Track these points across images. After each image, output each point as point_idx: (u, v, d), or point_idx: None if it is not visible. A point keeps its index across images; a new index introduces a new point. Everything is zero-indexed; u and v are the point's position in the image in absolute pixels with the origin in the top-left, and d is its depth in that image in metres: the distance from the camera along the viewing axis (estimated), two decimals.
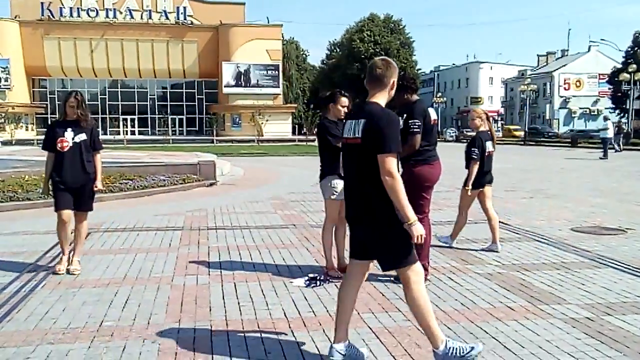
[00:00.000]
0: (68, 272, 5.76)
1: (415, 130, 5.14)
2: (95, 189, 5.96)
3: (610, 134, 28.08)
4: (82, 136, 5.82)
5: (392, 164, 3.29)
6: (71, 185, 5.78)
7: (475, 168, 6.63)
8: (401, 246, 3.40)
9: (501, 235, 7.23)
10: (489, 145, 6.71)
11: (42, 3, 59.20)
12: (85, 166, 5.82)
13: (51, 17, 59.75)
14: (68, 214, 5.84)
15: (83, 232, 6.08)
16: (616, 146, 31.47)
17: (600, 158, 25.52)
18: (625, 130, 33.47)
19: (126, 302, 4.89)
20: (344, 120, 3.80)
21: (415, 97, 5.40)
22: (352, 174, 3.56)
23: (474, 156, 6.61)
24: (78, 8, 60.23)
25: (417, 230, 3.29)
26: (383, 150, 3.30)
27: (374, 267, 3.85)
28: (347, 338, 3.65)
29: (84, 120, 5.85)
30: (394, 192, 3.29)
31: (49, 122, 5.99)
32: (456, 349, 3.48)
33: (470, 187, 6.71)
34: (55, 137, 5.79)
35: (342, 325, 3.65)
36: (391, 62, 3.56)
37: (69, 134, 5.78)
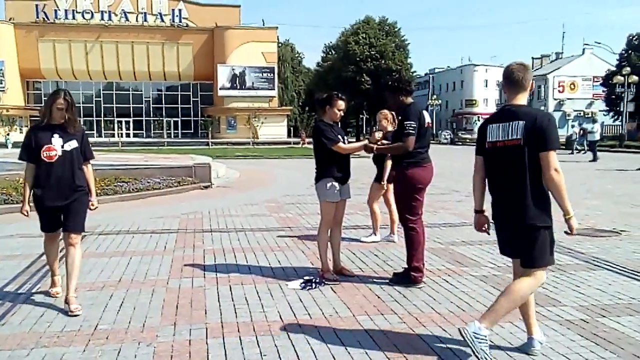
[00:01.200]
0: (67, 303, 4.71)
1: (410, 131, 5.16)
2: (92, 207, 5.00)
3: (597, 136, 28.33)
4: (73, 143, 4.80)
5: (556, 159, 3.51)
6: (58, 203, 4.77)
7: (390, 164, 6.81)
8: (544, 246, 3.62)
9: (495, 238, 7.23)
10: None
11: (36, 5, 59.15)
12: (76, 179, 4.83)
13: (46, 19, 59.69)
14: (57, 233, 5.03)
15: (77, 260, 4.85)
16: (578, 146, 33.60)
17: (590, 161, 25.63)
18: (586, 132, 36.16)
19: (121, 305, 4.87)
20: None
21: (410, 99, 5.42)
22: (507, 174, 3.64)
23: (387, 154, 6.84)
24: (73, 10, 60.20)
25: (574, 223, 3.56)
26: (548, 148, 3.50)
27: (369, 269, 3.85)
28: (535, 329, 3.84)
29: (71, 126, 4.82)
30: (560, 187, 3.48)
31: (30, 128, 4.98)
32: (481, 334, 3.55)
33: (385, 182, 7.20)
34: (39, 144, 4.72)
35: (527, 318, 3.85)
36: (527, 65, 3.78)
37: (57, 140, 4.75)
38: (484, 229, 3.99)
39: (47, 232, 5.03)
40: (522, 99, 3.69)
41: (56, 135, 4.76)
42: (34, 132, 4.81)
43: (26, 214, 4.84)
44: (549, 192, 3.56)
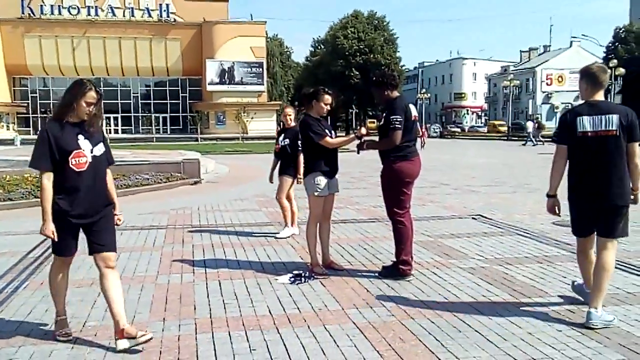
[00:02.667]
0: (127, 336, 3.83)
1: (396, 125, 5.17)
2: (118, 222, 4.21)
3: None
4: (102, 147, 3.95)
5: None
6: (87, 220, 3.90)
7: (302, 159, 6.38)
8: (626, 219, 4.27)
9: (484, 230, 7.30)
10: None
11: (22, 1, 58.46)
12: (105, 190, 4.04)
13: (32, 14, 59.07)
14: (72, 257, 4.17)
15: (120, 284, 4.07)
16: (534, 139, 37.09)
17: None
18: (544, 127, 41.64)
19: None
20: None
21: (396, 93, 5.44)
22: (599, 160, 4.18)
23: (299, 149, 6.77)
24: (59, 6, 59.61)
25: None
26: (637, 139, 4.12)
27: (358, 262, 3.85)
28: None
29: (96, 124, 3.93)
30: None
31: (45, 126, 3.83)
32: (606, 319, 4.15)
33: (301, 176, 6.63)
34: (66, 148, 3.76)
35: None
36: (605, 67, 4.52)
37: (84, 144, 3.84)
38: (555, 210, 4.51)
39: (65, 256, 4.07)
40: (601, 95, 4.30)
41: (81, 137, 3.82)
42: (55, 132, 3.76)
43: (53, 235, 3.79)
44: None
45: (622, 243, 6.87)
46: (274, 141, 8.09)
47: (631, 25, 62.74)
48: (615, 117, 4.10)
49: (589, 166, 4.20)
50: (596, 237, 4.32)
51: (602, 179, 4.16)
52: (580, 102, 4.47)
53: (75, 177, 3.79)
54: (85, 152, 3.81)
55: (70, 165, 3.77)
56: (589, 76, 4.27)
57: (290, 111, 7.82)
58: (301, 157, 6.65)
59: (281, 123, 8.38)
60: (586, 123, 4.16)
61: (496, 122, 65.75)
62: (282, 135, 7.73)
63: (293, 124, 7.60)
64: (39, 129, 60.03)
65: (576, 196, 4.33)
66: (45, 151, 3.73)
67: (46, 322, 4.35)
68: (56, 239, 3.82)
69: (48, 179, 3.75)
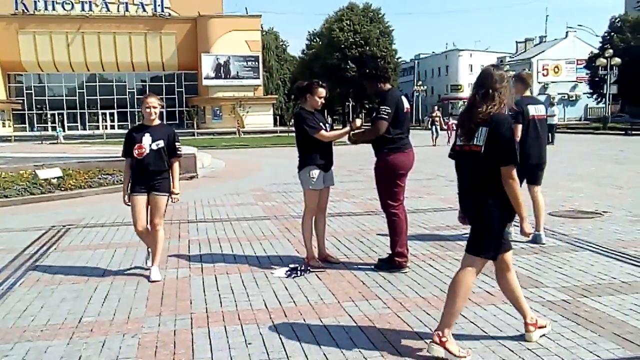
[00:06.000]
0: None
1: (382, 116, 5.17)
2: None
3: (556, 120, 28.53)
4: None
5: None
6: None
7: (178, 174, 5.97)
8: None
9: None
10: None
11: None
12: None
13: (25, 10, 58.82)
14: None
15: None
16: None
17: (548, 143, 25.87)
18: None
19: (106, 297, 4.86)
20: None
21: (388, 85, 5.44)
22: (537, 133, 6.36)
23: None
24: (53, 1, 59.42)
25: None
26: None
27: (354, 255, 3.84)
28: None
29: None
30: None
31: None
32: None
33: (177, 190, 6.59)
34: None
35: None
36: (531, 73, 5.76)
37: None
38: None
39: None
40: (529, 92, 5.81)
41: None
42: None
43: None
44: None
45: (617, 233, 6.90)
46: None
47: (627, 14, 62.62)
48: (542, 107, 6.41)
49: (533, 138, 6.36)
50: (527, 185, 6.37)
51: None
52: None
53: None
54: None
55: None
56: (523, 80, 6.47)
57: (153, 101, 5.51)
58: (176, 166, 5.56)
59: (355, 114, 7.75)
60: (532, 109, 6.27)
61: None
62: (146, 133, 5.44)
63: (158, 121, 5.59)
64: (35, 125, 60.07)
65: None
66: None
67: (42, 319, 4.34)
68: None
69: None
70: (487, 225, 3.48)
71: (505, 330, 3.93)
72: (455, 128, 4.67)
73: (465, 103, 3.82)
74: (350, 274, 5.38)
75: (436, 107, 31.93)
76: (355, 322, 4.14)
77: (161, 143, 5.38)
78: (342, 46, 66.11)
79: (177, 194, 5.51)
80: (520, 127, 6.17)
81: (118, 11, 61.17)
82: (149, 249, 5.65)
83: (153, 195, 5.41)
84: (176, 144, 5.50)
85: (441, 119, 30.91)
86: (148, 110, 5.42)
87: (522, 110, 6.23)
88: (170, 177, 5.49)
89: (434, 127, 28.28)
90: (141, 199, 5.41)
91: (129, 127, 5.49)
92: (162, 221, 5.51)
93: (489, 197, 3.45)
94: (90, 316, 4.39)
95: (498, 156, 3.39)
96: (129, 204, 5.47)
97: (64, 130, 50.84)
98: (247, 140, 37.67)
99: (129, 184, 5.48)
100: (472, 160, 3.50)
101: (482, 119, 3.43)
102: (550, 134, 27.23)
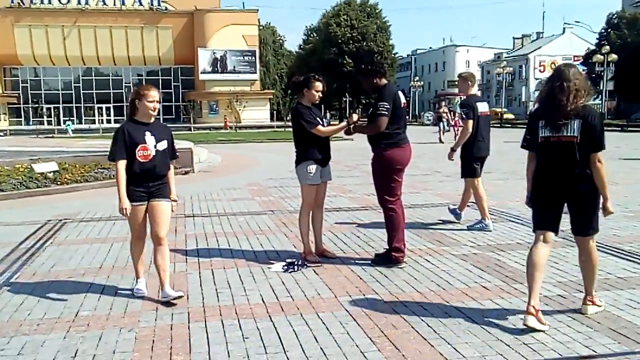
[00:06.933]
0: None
1: (382, 112, 5.18)
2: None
3: None
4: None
5: None
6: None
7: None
8: None
9: (477, 217, 7.30)
10: None
11: None
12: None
13: (21, 4, 58.50)
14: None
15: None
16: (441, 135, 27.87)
17: None
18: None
19: (102, 291, 4.85)
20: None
21: (384, 80, 5.43)
22: (487, 129, 7.02)
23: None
24: None
25: None
26: None
27: (351, 250, 3.84)
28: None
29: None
30: None
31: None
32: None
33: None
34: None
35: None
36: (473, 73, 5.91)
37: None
38: None
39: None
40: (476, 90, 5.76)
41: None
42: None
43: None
44: None
45: (613, 229, 6.92)
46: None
47: (623, 11, 62.59)
48: (486, 104, 7.14)
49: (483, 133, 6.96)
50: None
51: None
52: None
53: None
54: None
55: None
56: (466, 79, 7.17)
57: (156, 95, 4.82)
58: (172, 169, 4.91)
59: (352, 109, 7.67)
60: (480, 107, 6.89)
61: (497, 110, 65.39)
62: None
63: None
64: (31, 119, 59.81)
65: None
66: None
67: (38, 313, 4.34)
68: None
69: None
70: (597, 206, 4.03)
71: (502, 324, 3.94)
72: (459, 124, 4.88)
73: (539, 98, 4.15)
74: (347, 268, 5.38)
75: (443, 103, 31.68)
76: (352, 317, 4.15)
77: (165, 144, 4.66)
78: (339, 41, 66.07)
79: (175, 200, 4.82)
80: (471, 122, 6.86)
81: (114, 5, 60.88)
82: (138, 271, 4.85)
83: (156, 202, 4.60)
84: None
85: (449, 115, 30.24)
86: (152, 104, 4.60)
87: (473, 107, 6.90)
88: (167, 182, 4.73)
89: (441, 123, 28.05)
90: (143, 209, 4.61)
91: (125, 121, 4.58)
92: (166, 233, 4.77)
93: (592, 182, 3.87)
94: (86, 310, 4.39)
95: (592, 144, 3.81)
96: (128, 214, 4.51)
97: (72, 124, 50.88)
98: (243, 135, 37.61)
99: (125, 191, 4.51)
100: (566, 150, 3.86)
101: (574, 112, 3.80)
102: None
